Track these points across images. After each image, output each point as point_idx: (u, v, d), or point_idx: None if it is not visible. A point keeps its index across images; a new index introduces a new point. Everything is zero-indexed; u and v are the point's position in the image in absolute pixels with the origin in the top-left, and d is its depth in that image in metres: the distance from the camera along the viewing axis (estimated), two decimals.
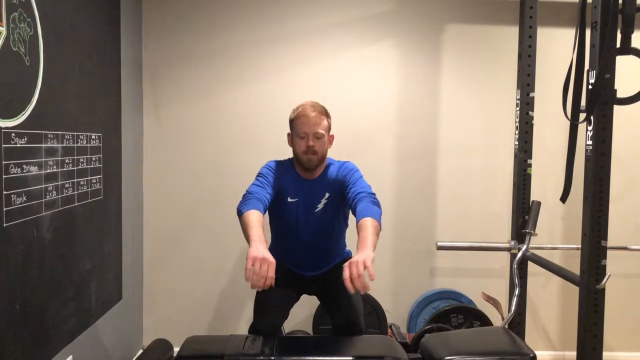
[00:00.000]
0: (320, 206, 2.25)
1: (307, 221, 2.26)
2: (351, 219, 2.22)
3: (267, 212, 2.28)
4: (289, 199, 2.24)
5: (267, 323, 2.17)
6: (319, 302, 2.95)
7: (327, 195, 2.24)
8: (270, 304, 2.22)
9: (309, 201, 2.25)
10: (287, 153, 2.34)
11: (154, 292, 3.14)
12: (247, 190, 2.12)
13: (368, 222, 1.91)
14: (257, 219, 1.92)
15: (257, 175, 2.22)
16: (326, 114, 2.22)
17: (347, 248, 2.47)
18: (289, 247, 2.33)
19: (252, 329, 2.21)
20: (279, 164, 2.29)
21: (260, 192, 2.11)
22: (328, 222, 2.28)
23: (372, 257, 1.74)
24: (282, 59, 3.07)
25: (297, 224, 2.26)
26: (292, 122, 2.24)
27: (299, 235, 2.28)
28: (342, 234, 2.41)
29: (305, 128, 2.16)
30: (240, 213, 1.99)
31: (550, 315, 3.24)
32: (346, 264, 1.73)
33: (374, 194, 2.11)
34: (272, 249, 2.39)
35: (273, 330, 2.17)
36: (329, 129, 2.23)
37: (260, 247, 1.77)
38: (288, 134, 2.28)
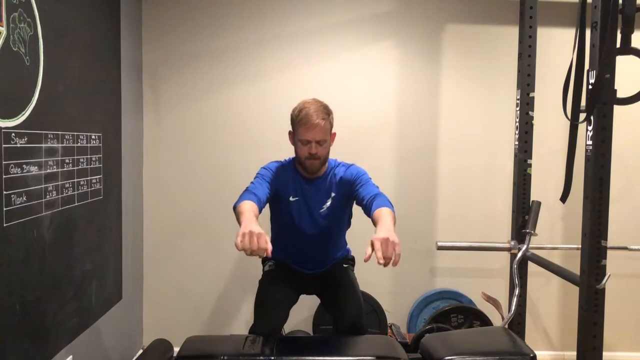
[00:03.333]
0: (325, 206, 2.25)
1: (310, 220, 2.26)
2: (357, 218, 2.25)
3: (268, 208, 2.29)
4: (291, 198, 2.24)
5: (268, 324, 2.17)
6: (319, 302, 2.97)
7: (333, 195, 2.25)
8: (270, 305, 2.22)
9: (313, 201, 2.25)
10: (288, 151, 2.33)
11: (154, 292, 3.14)
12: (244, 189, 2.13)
13: (386, 211, 1.92)
14: (249, 208, 1.90)
15: (255, 176, 2.21)
16: (329, 115, 2.18)
17: (348, 246, 2.48)
18: (290, 244, 2.32)
19: (252, 331, 2.20)
20: (279, 165, 2.28)
21: (256, 188, 2.11)
22: (332, 222, 2.28)
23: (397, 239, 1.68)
24: (282, 59, 3.07)
25: (299, 222, 2.26)
26: (294, 124, 2.19)
27: (301, 234, 2.27)
28: (344, 233, 2.42)
29: (308, 135, 2.13)
30: (234, 207, 1.99)
31: (550, 315, 3.24)
32: (376, 238, 1.66)
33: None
34: (272, 246, 2.38)
35: (274, 331, 2.17)
36: (331, 129, 2.21)
37: (248, 224, 1.72)
38: (290, 132, 2.25)
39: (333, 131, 2.23)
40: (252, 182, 2.17)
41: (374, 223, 1.90)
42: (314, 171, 2.22)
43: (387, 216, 1.87)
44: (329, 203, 2.25)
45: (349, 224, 2.41)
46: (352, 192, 2.20)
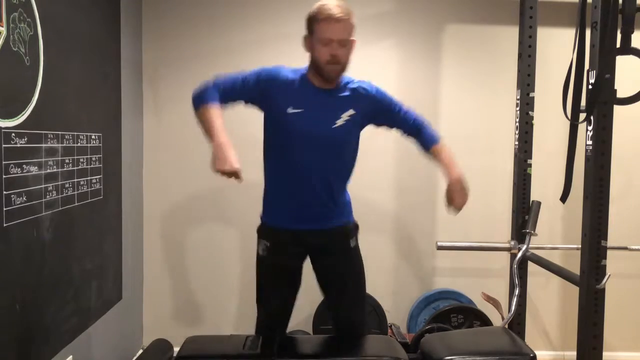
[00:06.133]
0: (339, 122, 1.95)
1: (316, 138, 1.93)
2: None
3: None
4: (290, 110, 1.92)
5: (274, 314, 2.09)
6: (319, 302, 2.97)
7: (351, 112, 1.97)
8: (270, 303, 2.13)
9: (325, 113, 1.95)
10: None
11: (154, 292, 3.13)
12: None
13: (446, 148, 2.12)
14: (217, 117, 1.86)
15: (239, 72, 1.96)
16: (352, 15, 1.89)
17: (349, 197, 2.14)
18: (288, 180, 1.99)
19: (258, 329, 2.13)
20: (285, 69, 1.98)
21: (226, 83, 1.92)
22: (342, 145, 2.01)
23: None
24: (282, 59, 3.02)
25: (301, 141, 1.93)
26: (312, 22, 1.88)
27: (302, 159, 1.94)
28: (350, 170, 2.10)
29: (330, 34, 1.83)
30: (195, 102, 1.88)
31: (550, 315, 3.24)
32: (455, 191, 2.04)
33: None
34: (268, 194, 2.07)
35: (280, 323, 2.11)
36: (353, 32, 1.91)
37: (223, 147, 1.83)
38: (305, 37, 1.94)
39: (354, 38, 1.92)
40: (230, 75, 1.94)
41: (436, 158, 2.14)
42: (333, 78, 1.92)
43: (453, 158, 2.10)
44: (345, 119, 1.96)
45: (354, 160, 2.12)
46: (379, 115, 2.06)
